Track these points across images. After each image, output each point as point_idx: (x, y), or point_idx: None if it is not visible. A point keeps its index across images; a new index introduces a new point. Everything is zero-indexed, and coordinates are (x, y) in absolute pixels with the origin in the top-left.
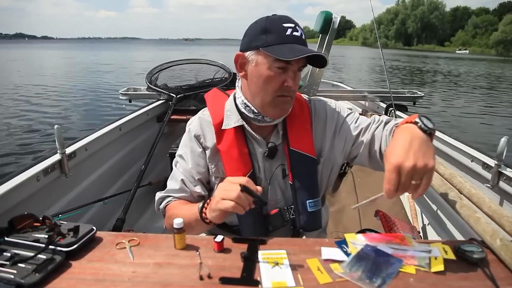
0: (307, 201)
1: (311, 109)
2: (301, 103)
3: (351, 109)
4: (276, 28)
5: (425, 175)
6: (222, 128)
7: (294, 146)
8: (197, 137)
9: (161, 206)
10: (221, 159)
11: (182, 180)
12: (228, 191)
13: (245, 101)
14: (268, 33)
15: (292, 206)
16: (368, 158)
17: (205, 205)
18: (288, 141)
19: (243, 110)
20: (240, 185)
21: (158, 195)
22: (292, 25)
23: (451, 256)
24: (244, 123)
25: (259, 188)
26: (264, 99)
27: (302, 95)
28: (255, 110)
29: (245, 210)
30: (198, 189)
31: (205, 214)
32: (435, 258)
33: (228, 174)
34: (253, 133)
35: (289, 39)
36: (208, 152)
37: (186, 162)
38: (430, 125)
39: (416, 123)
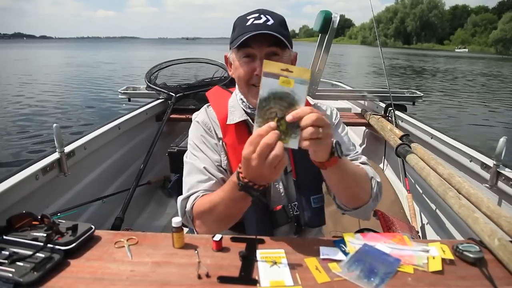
0: (312, 197)
1: None
2: None
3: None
4: (239, 22)
5: (323, 140)
6: (227, 123)
7: None
8: (207, 128)
9: (188, 208)
10: (227, 153)
11: (205, 168)
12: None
13: (241, 96)
14: (234, 30)
15: (296, 202)
16: None
17: (239, 170)
18: None
19: (241, 106)
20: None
21: (180, 198)
22: (256, 14)
23: (449, 255)
24: (248, 118)
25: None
26: (244, 91)
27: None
28: (250, 105)
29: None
30: (221, 174)
31: (241, 173)
32: (433, 258)
33: (233, 167)
34: None
35: (250, 28)
36: (217, 144)
37: (203, 151)
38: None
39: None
